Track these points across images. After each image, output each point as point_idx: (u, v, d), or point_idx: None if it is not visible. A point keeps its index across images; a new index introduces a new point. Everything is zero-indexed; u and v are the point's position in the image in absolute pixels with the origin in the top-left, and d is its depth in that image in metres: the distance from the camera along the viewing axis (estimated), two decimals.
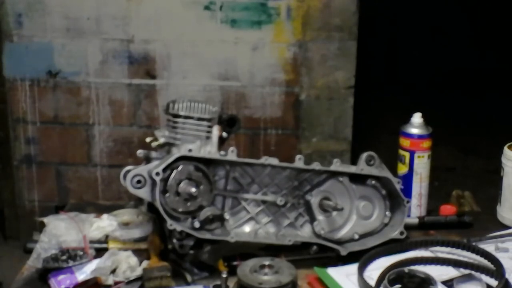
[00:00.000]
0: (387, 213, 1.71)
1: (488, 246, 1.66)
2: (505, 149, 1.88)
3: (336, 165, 1.67)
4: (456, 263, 1.55)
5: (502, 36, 6.01)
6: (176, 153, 1.54)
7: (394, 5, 5.75)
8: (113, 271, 1.55)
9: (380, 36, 5.84)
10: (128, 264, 1.56)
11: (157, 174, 1.50)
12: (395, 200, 1.72)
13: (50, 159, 3.28)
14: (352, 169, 1.69)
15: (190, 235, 1.55)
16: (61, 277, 1.55)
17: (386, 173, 1.70)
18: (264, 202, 1.63)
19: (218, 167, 1.60)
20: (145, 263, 1.57)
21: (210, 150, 1.59)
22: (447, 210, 1.91)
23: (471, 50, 6.01)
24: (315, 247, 1.64)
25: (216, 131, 1.62)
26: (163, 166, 1.51)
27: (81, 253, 1.59)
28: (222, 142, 1.65)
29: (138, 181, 1.53)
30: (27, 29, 3.13)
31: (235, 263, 1.57)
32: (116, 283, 1.54)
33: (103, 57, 3.16)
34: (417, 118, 1.88)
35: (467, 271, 1.53)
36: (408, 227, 1.73)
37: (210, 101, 1.75)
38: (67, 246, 1.61)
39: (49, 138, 3.26)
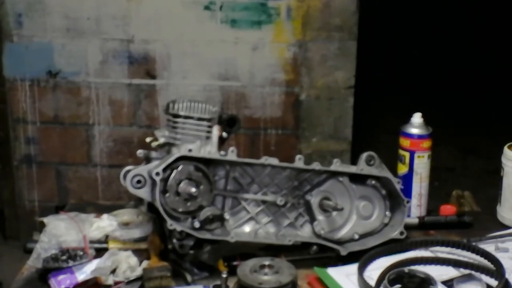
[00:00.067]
0: (387, 213, 1.71)
1: (488, 246, 1.66)
2: (505, 149, 1.88)
3: (336, 165, 1.67)
4: (456, 263, 1.55)
5: (502, 36, 6.01)
6: (176, 153, 1.54)
7: (394, 5, 5.75)
8: (113, 271, 1.55)
9: (380, 36, 5.84)
10: (128, 264, 1.56)
11: (157, 174, 1.50)
12: (395, 200, 1.72)
13: (50, 159, 3.28)
14: (352, 169, 1.69)
15: (190, 235, 1.55)
16: (61, 277, 1.55)
17: (386, 173, 1.70)
18: (264, 202, 1.63)
19: (218, 167, 1.60)
20: (145, 263, 1.57)
21: (210, 150, 1.59)
22: (447, 210, 1.91)
23: (471, 50, 6.01)
24: (315, 247, 1.64)
25: (216, 131, 1.62)
26: (163, 166, 1.51)
27: (81, 253, 1.59)
28: (222, 142, 1.65)
29: (138, 181, 1.53)
30: (27, 29, 3.13)
31: (235, 263, 1.57)
32: (116, 283, 1.54)
33: (103, 57, 3.16)
34: (417, 118, 1.88)
35: (467, 271, 1.53)
36: (408, 227, 1.73)
37: (210, 101, 1.75)
38: (67, 246, 1.61)
39: (49, 138, 3.26)
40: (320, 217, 1.65)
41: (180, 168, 1.53)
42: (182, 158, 1.53)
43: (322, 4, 3.05)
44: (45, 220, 1.68)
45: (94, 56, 3.15)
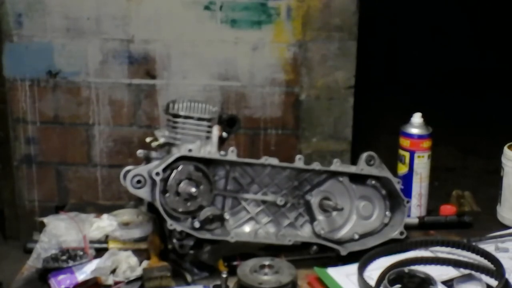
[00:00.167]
0: (387, 213, 1.71)
1: (488, 246, 1.66)
2: (505, 149, 1.88)
3: (336, 165, 1.67)
4: (456, 263, 1.55)
5: (502, 36, 6.02)
6: (176, 153, 1.54)
7: (394, 5, 5.76)
8: (113, 271, 1.55)
9: (380, 36, 5.84)
10: (128, 264, 1.56)
11: (157, 174, 1.50)
12: (395, 200, 1.72)
13: (50, 159, 3.28)
14: (352, 169, 1.69)
15: (190, 235, 1.55)
16: (61, 277, 1.55)
17: (386, 173, 1.70)
18: (264, 202, 1.63)
19: (218, 167, 1.60)
20: (145, 263, 1.57)
21: (210, 150, 1.59)
22: (447, 210, 1.91)
23: (471, 50, 6.01)
24: (315, 247, 1.64)
25: (216, 131, 1.62)
26: (163, 166, 1.51)
27: (81, 253, 1.59)
28: (222, 142, 1.65)
29: (138, 181, 1.53)
30: (27, 29, 3.13)
31: (235, 263, 1.57)
32: (116, 283, 1.54)
33: (103, 57, 3.16)
34: (417, 118, 1.88)
35: (467, 271, 1.53)
36: (408, 227, 1.73)
37: (210, 101, 1.75)
38: (67, 246, 1.61)
39: (49, 138, 3.26)
40: (320, 217, 1.65)
41: (180, 168, 1.53)
42: (182, 158, 1.53)
43: (322, 4, 3.05)
44: (45, 220, 1.68)
45: (94, 56, 3.15)
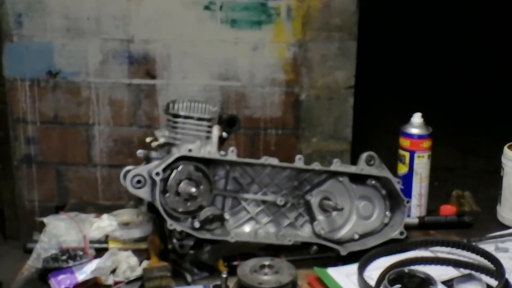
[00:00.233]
0: (387, 213, 1.71)
1: (488, 246, 1.66)
2: (505, 149, 1.88)
3: (336, 165, 1.67)
4: (456, 263, 1.55)
5: (502, 36, 6.01)
6: (176, 153, 1.54)
7: (394, 5, 5.75)
8: (113, 271, 1.55)
9: (380, 36, 5.84)
10: (128, 264, 1.56)
11: (157, 174, 1.50)
12: (395, 200, 1.72)
13: (50, 159, 3.28)
14: (352, 169, 1.69)
15: (190, 235, 1.55)
16: (61, 277, 1.55)
17: (386, 173, 1.70)
18: (264, 202, 1.63)
19: (218, 167, 1.60)
20: (145, 263, 1.57)
21: (210, 150, 1.59)
22: (447, 210, 1.91)
23: (471, 50, 6.01)
24: (315, 247, 1.64)
25: (216, 131, 1.62)
26: (163, 166, 1.51)
27: (81, 253, 1.59)
28: (222, 142, 1.65)
29: (138, 181, 1.53)
30: (27, 29, 3.12)
31: (235, 263, 1.57)
32: (116, 283, 1.54)
33: (103, 57, 3.16)
34: (417, 118, 1.88)
35: (467, 271, 1.53)
36: (408, 227, 1.73)
37: (210, 101, 1.75)
38: (67, 246, 1.61)
39: (49, 138, 3.26)
40: (320, 217, 1.65)
41: (180, 168, 1.53)
42: (182, 158, 1.53)
43: (322, 4, 3.05)
44: (45, 220, 1.68)
45: (94, 56, 3.15)
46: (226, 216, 1.60)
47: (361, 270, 1.52)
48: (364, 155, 1.69)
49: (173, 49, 3.13)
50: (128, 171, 1.55)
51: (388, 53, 6.09)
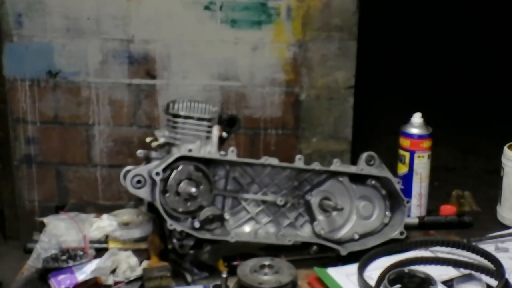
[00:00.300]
0: (387, 213, 1.71)
1: (488, 246, 1.66)
2: (505, 149, 1.88)
3: (336, 165, 1.67)
4: (456, 263, 1.55)
5: (502, 36, 6.02)
6: (176, 153, 1.54)
7: (394, 5, 5.76)
8: (113, 271, 1.55)
9: (380, 36, 5.84)
10: (128, 264, 1.56)
11: (157, 174, 1.50)
12: (395, 200, 1.72)
13: (50, 159, 3.28)
14: (352, 169, 1.69)
15: (190, 235, 1.55)
16: (61, 277, 1.55)
17: (386, 173, 1.70)
18: (264, 202, 1.63)
19: (218, 167, 1.60)
20: (145, 263, 1.57)
21: (210, 150, 1.59)
22: (447, 210, 1.91)
23: (471, 50, 6.01)
24: (315, 247, 1.64)
25: (216, 131, 1.62)
26: (163, 166, 1.51)
27: (81, 253, 1.59)
28: (222, 142, 1.65)
29: (138, 181, 1.53)
30: (27, 29, 3.13)
31: (235, 263, 1.57)
32: (116, 283, 1.54)
33: (103, 57, 3.16)
34: (417, 118, 1.88)
35: (467, 271, 1.53)
36: (408, 227, 1.73)
37: (210, 101, 1.75)
38: (67, 246, 1.61)
39: (49, 138, 3.26)
40: (320, 217, 1.65)
41: (180, 168, 1.53)
42: (182, 158, 1.53)
43: (322, 4, 3.05)
44: (45, 220, 1.68)
45: (94, 56, 3.15)
46: (226, 216, 1.60)
47: (361, 270, 1.52)
48: (364, 155, 1.69)
49: (173, 49, 3.13)
50: (128, 171, 1.55)
51: (388, 53, 6.09)
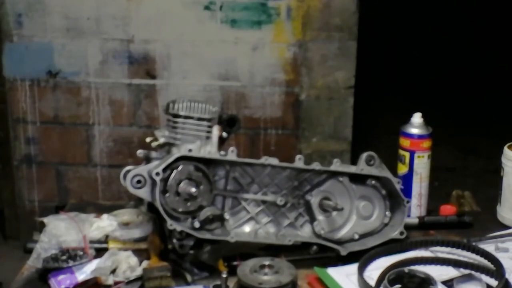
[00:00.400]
0: (387, 213, 1.71)
1: (488, 246, 1.66)
2: (505, 149, 1.88)
3: (336, 165, 1.67)
4: (456, 263, 1.55)
5: (502, 36, 6.01)
6: (176, 153, 1.54)
7: (394, 5, 5.75)
8: (113, 271, 1.55)
9: (380, 36, 5.84)
10: (128, 264, 1.56)
11: (157, 174, 1.50)
12: (395, 200, 1.72)
13: (50, 159, 3.28)
14: (352, 169, 1.69)
15: (190, 235, 1.55)
16: (61, 277, 1.55)
17: (386, 173, 1.70)
18: (264, 202, 1.63)
19: (218, 167, 1.60)
20: (145, 263, 1.57)
21: (210, 150, 1.59)
22: (447, 210, 1.91)
23: (471, 50, 6.01)
24: (315, 247, 1.64)
25: (216, 131, 1.62)
26: (163, 166, 1.51)
27: (81, 253, 1.59)
28: (222, 142, 1.65)
29: (138, 181, 1.53)
30: (27, 29, 3.13)
31: (235, 263, 1.57)
32: (116, 283, 1.54)
33: (103, 57, 3.16)
34: (417, 118, 1.88)
35: (467, 271, 1.53)
36: (408, 227, 1.73)
37: (210, 101, 1.75)
38: (67, 246, 1.61)
39: (49, 138, 3.26)
40: (320, 217, 1.65)
41: (180, 168, 1.53)
42: (182, 158, 1.53)
43: (322, 4, 3.05)
44: (45, 220, 1.68)
45: (94, 56, 3.15)
46: (226, 216, 1.60)
47: (361, 270, 1.52)
48: (364, 155, 1.69)
49: (173, 49, 3.13)
50: (128, 171, 1.55)
51: (388, 53, 6.09)
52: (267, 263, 1.48)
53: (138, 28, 3.12)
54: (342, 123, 3.19)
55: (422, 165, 1.87)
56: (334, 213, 1.66)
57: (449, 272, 1.53)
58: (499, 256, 1.57)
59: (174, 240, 1.56)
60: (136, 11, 3.10)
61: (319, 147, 3.19)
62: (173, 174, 1.53)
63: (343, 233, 1.67)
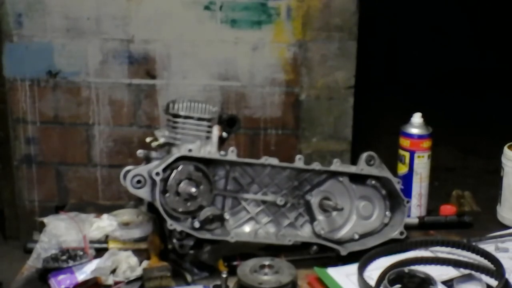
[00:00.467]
0: (387, 213, 1.71)
1: (488, 246, 1.66)
2: (505, 149, 1.88)
3: (336, 165, 1.67)
4: (456, 263, 1.55)
5: (502, 36, 6.02)
6: (176, 153, 1.54)
7: (394, 5, 5.76)
8: (113, 271, 1.55)
9: (380, 36, 5.84)
10: (128, 264, 1.56)
11: (157, 174, 1.50)
12: (395, 200, 1.72)
13: (50, 159, 3.29)
14: (352, 169, 1.69)
15: (190, 235, 1.55)
16: (61, 277, 1.55)
17: (386, 173, 1.70)
18: (264, 202, 1.63)
19: (218, 167, 1.60)
20: (145, 263, 1.57)
21: (210, 150, 1.59)
22: (447, 210, 1.91)
23: (471, 50, 6.01)
24: (315, 247, 1.64)
25: (216, 131, 1.62)
26: (163, 166, 1.51)
27: (81, 253, 1.59)
28: (222, 142, 1.65)
29: (138, 181, 1.53)
30: (27, 29, 3.13)
31: (235, 263, 1.57)
32: (116, 283, 1.54)
33: (103, 57, 3.16)
34: (417, 118, 1.88)
35: (467, 271, 1.53)
36: (408, 227, 1.72)
37: (210, 101, 1.75)
38: (67, 246, 1.61)
39: (49, 138, 3.26)
40: (320, 217, 1.65)
41: (180, 168, 1.53)
42: (182, 158, 1.53)
43: (322, 4, 3.05)
44: (45, 220, 1.68)
45: (94, 56, 3.15)
46: (226, 216, 1.60)
47: (361, 270, 1.52)
48: (364, 155, 1.69)
49: (173, 49, 3.13)
50: (128, 171, 1.55)
51: (388, 53, 6.09)
52: (267, 263, 1.48)
53: (138, 28, 3.12)
54: (342, 123, 3.19)
55: (422, 165, 1.87)
56: (334, 213, 1.66)
57: (449, 272, 1.53)
58: (499, 256, 1.57)
59: (174, 240, 1.56)
60: (136, 11, 3.10)
61: (319, 147, 3.19)
62: (173, 174, 1.52)
63: (343, 233, 1.67)
